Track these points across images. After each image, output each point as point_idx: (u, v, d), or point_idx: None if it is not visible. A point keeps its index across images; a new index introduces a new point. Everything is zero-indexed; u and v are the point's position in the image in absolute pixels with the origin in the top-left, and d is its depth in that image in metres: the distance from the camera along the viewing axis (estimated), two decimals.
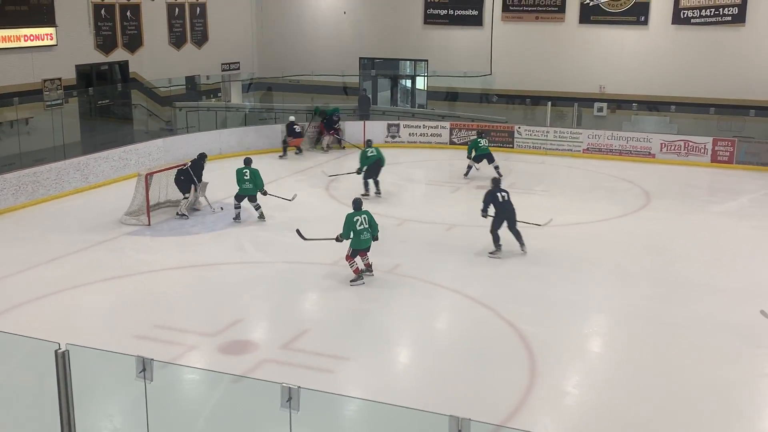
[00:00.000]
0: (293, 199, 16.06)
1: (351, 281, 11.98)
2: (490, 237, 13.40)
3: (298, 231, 12.88)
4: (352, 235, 11.90)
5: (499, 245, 13.38)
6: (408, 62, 28.18)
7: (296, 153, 22.08)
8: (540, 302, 11.46)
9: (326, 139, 22.83)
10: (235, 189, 15.42)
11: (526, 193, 17.17)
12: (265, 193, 15.37)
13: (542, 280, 12.42)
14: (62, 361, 5.62)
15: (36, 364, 6.36)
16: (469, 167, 19.09)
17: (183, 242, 14.35)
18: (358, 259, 12.06)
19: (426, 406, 5.70)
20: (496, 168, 18.43)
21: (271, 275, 12.76)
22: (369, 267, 12.22)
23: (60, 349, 5.64)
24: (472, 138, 20.23)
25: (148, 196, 15.18)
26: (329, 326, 10.75)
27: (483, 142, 18.97)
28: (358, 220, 11.89)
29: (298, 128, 21.93)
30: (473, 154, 18.98)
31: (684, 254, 13.76)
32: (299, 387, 5.20)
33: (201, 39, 26.47)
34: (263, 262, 13.40)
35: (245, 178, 15.21)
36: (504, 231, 13.35)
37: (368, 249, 12.12)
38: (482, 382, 9.07)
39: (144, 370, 5.53)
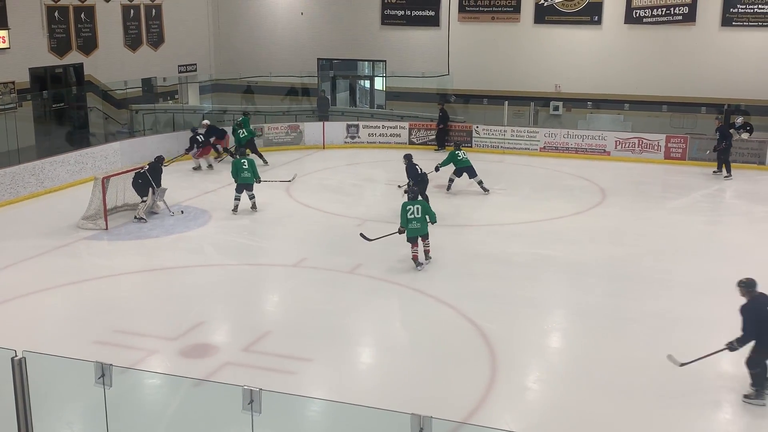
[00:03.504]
0: (293, 179, 16.71)
1: (417, 266, 12.68)
2: (443, 235, 13.58)
3: (362, 234, 13.21)
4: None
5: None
6: (366, 63, 28.22)
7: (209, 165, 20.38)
8: (500, 300, 11.58)
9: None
10: (195, 189, 15.39)
11: (484, 192, 17.34)
12: (259, 181, 16.15)
13: (501, 278, 12.56)
14: (19, 368, 5.56)
15: None
16: (451, 181, 17.76)
17: (142, 246, 14.21)
18: (419, 245, 12.71)
19: (388, 405, 5.74)
20: (480, 183, 17.53)
21: (232, 278, 12.70)
22: (426, 254, 12.82)
23: (16, 356, 5.57)
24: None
25: (105, 200, 15.01)
26: (291, 328, 10.73)
27: (461, 154, 17.53)
28: (410, 209, 12.53)
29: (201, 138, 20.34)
30: (448, 166, 17.55)
31: (639, 250, 14.00)
32: (261, 389, 5.21)
33: (157, 41, 26.20)
34: (224, 265, 13.33)
35: (244, 167, 15.82)
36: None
37: (425, 237, 12.72)
38: (444, 380, 9.15)
39: (103, 375, 5.49)
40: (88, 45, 23.36)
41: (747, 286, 8.80)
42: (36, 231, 14.91)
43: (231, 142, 21.08)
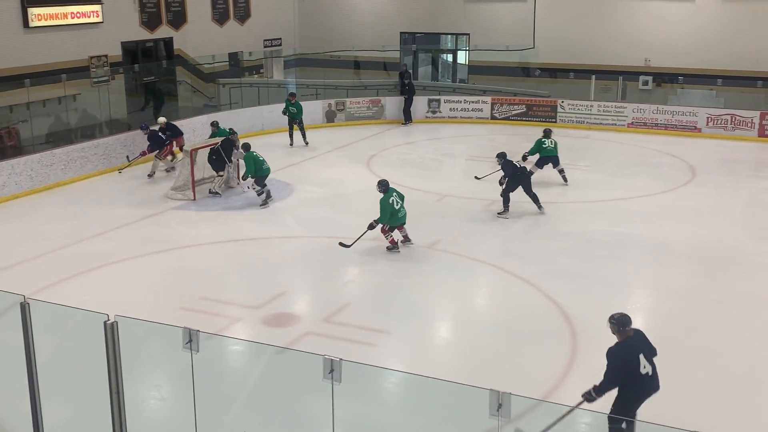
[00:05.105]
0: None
1: (387, 248, 12.39)
2: (528, 213, 13.41)
3: (341, 243, 12.39)
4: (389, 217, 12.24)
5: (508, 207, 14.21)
6: (449, 36, 27.96)
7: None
8: (581, 279, 11.41)
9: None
10: None
11: (569, 169, 16.97)
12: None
13: (584, 256, 12.36)
14: (111, 332, 5.74)
15: (86, 335, 6.52)
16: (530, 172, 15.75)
17: (227, 216, 14.55)
18: (395, 232, 12.45)
19: (466, 380, 5.74)
20: (561, 172, 16.36)
21: (312, 250, 12.88)
22: (407, 238, 12.59)
23: (109, 320, 5.77)
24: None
25: (193, 171, 15.39)
26: (370, 300, 10.85)
27: (548, 142, 16.13)
28: (393, 201, 12.16)
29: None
30: (536, 156, 16.14)
31: (728, 230, 13.56)
32: (341, 359, 5.28)
33: (243, 15, 26.57)
34: (305, 237, 13.53)
35: (261, 159, 15.01)
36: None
37: (404, 223, 12.45)
38: (523, 358, 9.10)
39: (190, 341, 5.63)
40: (178, 19, 23.87)
41: (619, 323, 7.07)
42: (127, 200, 15.44)
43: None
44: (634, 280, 11.59)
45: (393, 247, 12.41)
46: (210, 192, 15.74)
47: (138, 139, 18.01)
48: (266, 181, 15.08)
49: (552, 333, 9.69)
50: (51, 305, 6.44)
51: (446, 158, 19.75)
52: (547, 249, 12.72)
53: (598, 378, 8.69)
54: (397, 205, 12.19)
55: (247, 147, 15.19)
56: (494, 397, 4.91)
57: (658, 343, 9.53)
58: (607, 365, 6.88)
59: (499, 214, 14.23)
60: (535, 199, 14.28)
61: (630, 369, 6.78)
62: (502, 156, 14.45)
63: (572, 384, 8.49)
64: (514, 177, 14.15)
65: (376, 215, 14.39)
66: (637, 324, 10.23)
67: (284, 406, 6.98)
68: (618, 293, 10.94)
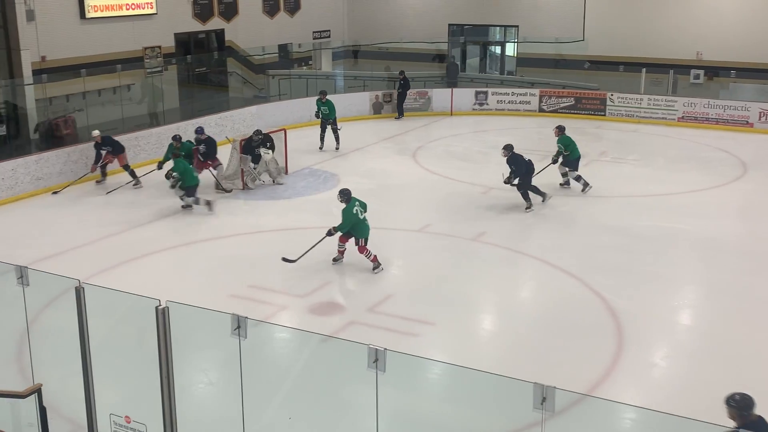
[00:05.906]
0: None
1: (374, 269, 11.39)
2: (574, 207, 13.31)
3: (284, 259, 11.46)
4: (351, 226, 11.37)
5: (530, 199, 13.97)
6: (498, 28, 27.81)
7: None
8: (628, 274, 11.32)
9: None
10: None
11: (617, 162, 16.81)
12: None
13: (631, 251, 12.24)
14: (162, 317, 5.88)
15: (137, 320, 6.66)
16: (580, 179, 15.16)
17: (274, 206, 14.74)
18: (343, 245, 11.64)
19: (510, 373, 5.75)
20: (579, 179, 15.17)
21: None
22: (376, 262, 11.47)
23: (160, 305, 5.91)
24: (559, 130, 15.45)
25: (242, 161, 15.58)
26: (414, 291, 10.90)
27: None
28: (357, 210, 11.35)
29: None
30: (561, 157, 15.20)
31: None
32: (385, 349, 5.34)
33: (293, 7, 26.78)
34: None
35: (190, 167, 14.44)
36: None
37: (367, 237, 11.54)
38: (568, 352, 9.07)
39: (239, 327, 5.74)
40: (230, 11, 24.17)
41: (740, 406, 5.82)
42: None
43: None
44: (681, 276, 11.46)
45: (377, 265, 11.39)
46: (246, 187, 15.81)
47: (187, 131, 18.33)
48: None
49: (597, 327, 9.64)
50: (105, 290, 6.59)
51: (493, 151, 19.53)
52: (594, 243, 12.63)
53: (644, 374, 8.63)
54: (360, 215, 11.35)
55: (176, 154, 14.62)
56: (538, 391, 4.91)
57: (704, 340, 9.49)
58: None
59: (527, 209, 13.97)
60: (535, 189, 14.06)
61: None
62: (509, 149, 13.94)
63: (618, 378, 8.47)
64: (528, 172, 13.93)
65: (422, 207, 14.46)
66: (683, 320, 10.21)
67: (329, 393, 7.07)
68: (665, 289, 10.84)
